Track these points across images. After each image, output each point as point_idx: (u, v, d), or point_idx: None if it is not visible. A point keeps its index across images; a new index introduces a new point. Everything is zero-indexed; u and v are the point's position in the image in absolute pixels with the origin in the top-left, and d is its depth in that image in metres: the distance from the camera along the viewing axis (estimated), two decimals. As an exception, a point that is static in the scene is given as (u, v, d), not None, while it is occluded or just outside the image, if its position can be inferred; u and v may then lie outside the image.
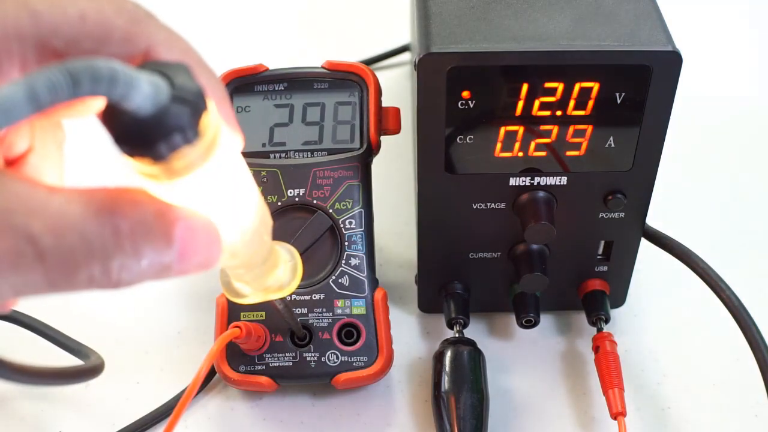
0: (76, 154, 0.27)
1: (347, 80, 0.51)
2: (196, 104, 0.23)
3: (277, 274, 0.35)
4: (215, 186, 0.25)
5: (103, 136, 0.23)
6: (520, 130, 0.43)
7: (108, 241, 0.23)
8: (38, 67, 0.24)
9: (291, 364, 0.47)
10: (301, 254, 0.48)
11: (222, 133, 0.25)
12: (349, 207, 0.49)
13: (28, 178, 0.24)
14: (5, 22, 0.24)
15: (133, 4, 0.26)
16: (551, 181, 0.45)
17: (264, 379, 0.46)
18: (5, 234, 0.22)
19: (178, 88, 0.22)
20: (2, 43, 0.24)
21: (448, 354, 0.47)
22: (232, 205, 0.27)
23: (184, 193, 0.24)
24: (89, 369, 0.40)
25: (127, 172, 0.24)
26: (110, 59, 0.21)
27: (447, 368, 0.47)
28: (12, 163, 0.29)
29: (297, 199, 0.49)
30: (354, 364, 0.47)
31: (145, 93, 0.21)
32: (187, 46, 0.27)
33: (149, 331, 0.53)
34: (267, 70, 0.51)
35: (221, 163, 0.25)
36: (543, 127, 0.42)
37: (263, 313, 0.47)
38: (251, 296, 0.35)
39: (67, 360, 0.47)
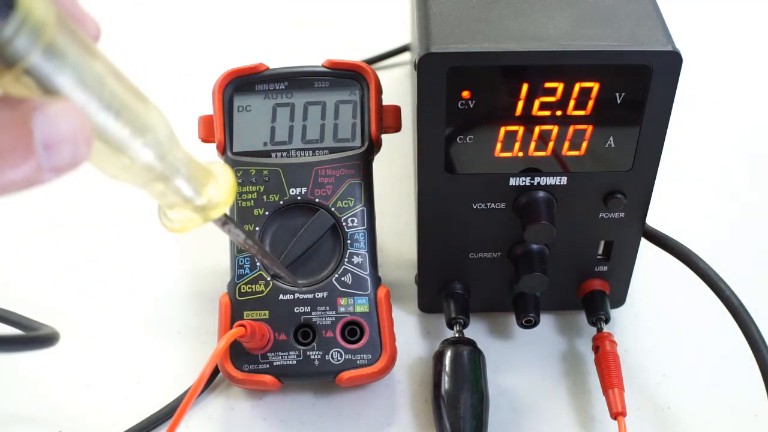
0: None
1: (348, 78, 0.51)
2: None
3: (207, 192, 0.33)
4: (63, 71, 0.24)
5: None
6: (520, 130, 0.43)
7: None
8: None
9: (295, 362, 0.47)
10: (303, 253, 0.49)
11: (54, 11, 0.23)
12: (351, 205, 0.49)
13: None
14: None
15: None
16: (551, 181, 0.45)
17: (268, 378, 0.47)
18: None
19: None
20: None
21: (448, 354, 0.47)
22: (91, 92, 0.25)
23: (32, 83, 0.23)
24: (43, 337, 0.39)
25: None
26: None
27: (447, 368, 0.47)
28: None
29: (299, 197, 0.49)
30: (358, 361, 0.47)
31: None
32: None
33: (149, 331, 0.53)
34: (267, 69, 0.51)
35: (64, 45, 0.23)
36: (543, 127, 0.42)
37: (267, 312, 0.47)
38: (187, 221, 0.33)
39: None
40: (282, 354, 0.47)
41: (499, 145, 0.43)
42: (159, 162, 0.30)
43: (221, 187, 0.34)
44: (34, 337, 0.39)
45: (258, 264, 0.48)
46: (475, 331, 0.52)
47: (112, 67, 0.27)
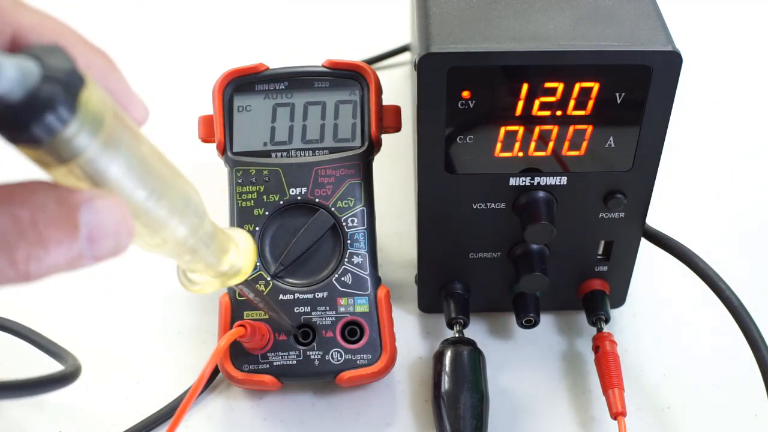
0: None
1: (348, 78, 0.51)
2: (68, 81, 0.22)
3: (229, 259, 0.34)
4: (115, 162, 0.24)
5: None
6: (520, 130, 0.43)
7: (8, 231, 0.22)
8: None
9: (295, 362, 0.47)
10: (303, 253, 0.49)
11: (110, 105, 0.24)
12: (351, 205, 0.49)
13: None
14: None
15: None
16: (551, 181, 0.45)
17: (268, 378, 0.47)
18: None
19: (47, 68, 0.22)
20: None
21: (448, 354, 0.47)
22: (137, 179, 0.26)
23: (83, 174, 0.24)
24: (66, 375, 0.40)
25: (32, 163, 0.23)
26: None
27: (447, 368, 0.47)
28: None
29: (299, 197, 0.49)
30: (358, 361, 0.47)
31: (9, 78, 0.21)
32: (62, 28, 0.26)
33: (149, 331, 0.53)
34: (267, 69, 0.51)
35: (118, 137, 0.24)
36: (543, 127, 0.42)
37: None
38: (207, 285, 0.35)
39: (43, 362, 0.47)
40: (282, 354, 0.47)
41: (499, 145, 0.43)
42: (191, 237, 0.30)
43: (242, 255, 0.35)
44: (57, 377, 0.40)
45: (258, 264, 0.48)
46: (475, 331, 0.52)
47: (155, 150, 0.27)
